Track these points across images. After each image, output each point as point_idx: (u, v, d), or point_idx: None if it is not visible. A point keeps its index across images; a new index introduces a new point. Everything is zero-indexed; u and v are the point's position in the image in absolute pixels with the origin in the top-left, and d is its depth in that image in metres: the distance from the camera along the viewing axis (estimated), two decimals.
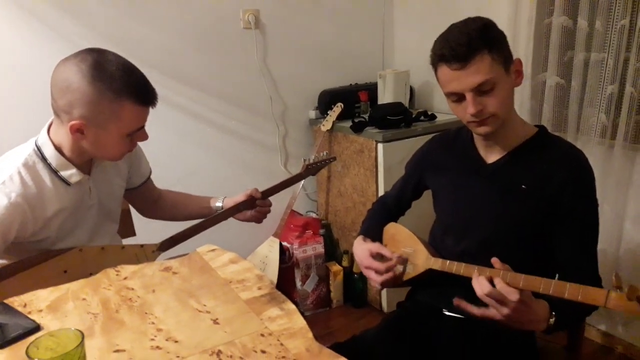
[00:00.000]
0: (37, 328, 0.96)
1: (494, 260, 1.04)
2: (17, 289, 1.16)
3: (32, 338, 0.90)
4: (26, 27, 1.96)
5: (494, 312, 1.01)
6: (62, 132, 1.21)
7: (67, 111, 1.15)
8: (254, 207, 1.56)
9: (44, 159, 1.22)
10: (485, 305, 1.02)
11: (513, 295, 0.98)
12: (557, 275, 0.99)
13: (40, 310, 1.03)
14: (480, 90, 1.10)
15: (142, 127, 1.25)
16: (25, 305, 1.05)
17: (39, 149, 1.23)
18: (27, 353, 0.72)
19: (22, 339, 0.93)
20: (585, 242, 1.15)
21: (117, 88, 1.14)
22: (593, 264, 1.16)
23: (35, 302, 1.06)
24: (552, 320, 1.03)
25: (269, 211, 1.59)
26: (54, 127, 1.24)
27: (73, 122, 1.15)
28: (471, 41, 1.07)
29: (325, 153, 1.74)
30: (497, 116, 1.13)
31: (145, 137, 1.27)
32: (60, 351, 0.75)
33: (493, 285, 1.01)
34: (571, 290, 0.95)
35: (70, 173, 1.24)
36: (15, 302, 1.06)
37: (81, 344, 0.75)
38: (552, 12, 2.01)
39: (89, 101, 1.13)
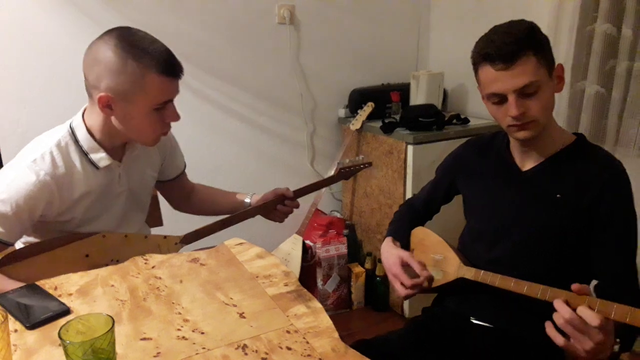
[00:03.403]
0: (67, 311, 0.97)
1: (577, 287, 0.93)
2: (39, 269, 1.19)
3: (62, 321, 0.91)
4: (65, 15, 2.00)
5: (578, 346, 0.91)
6: (94, 113, 1.22)
7: (95, 86, 1.16)
8: (280, 205, 1.55)
9: (76, 140, 1.24)
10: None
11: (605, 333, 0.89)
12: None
13: (70, 294, 1.04)
14: (524, 93, 1.07)
15: (170, 101, 1.22)
16: (56, 288, 1.06)
17: (72, 130, 1.25)
18: (59, 335, 0.72)
19: (52, 321, 0.94)
20: (623, 253, 1.11)
21: (140, 57, 1.13)
22: (632, 275, 1.12)
23: (65, 286, 1.07)
24: (616, 347, 0.96)
25: (292, 212, 1.58)
26: (88, 109, 1.25)
27: (101, 95, 1.16)
28: (518, 42, 1.05)
29: (360, 158, 1.67)
30: (538, 121, 1.10)
31: (175, 116, 1.24)
32: (90, 335, 0.75)
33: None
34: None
35: (100, 157, 1.25)
36: (47, 284, 1.07)
37: (111, 329, 0.75)
38: (596, 19, 1.95)
39: (113, 71, 1.13)
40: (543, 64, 1.08)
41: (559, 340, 0.93)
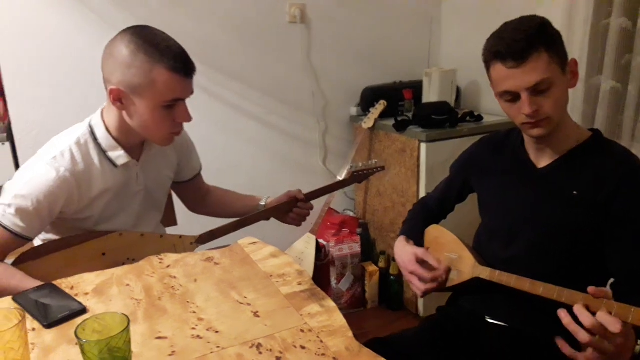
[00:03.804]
0: (83, 310, 0.98)
1: (593, 290, 0.92)
2: (57, 267, 1.21)
3: (79, 320, 0.92)
4: (77, 16, 2.02)
5: (597, 352, 0.90)
6: (112, 111, 1.23)
7: (108, 79, 1.18)
8: (295, 208, 1.55)
9: (95, 138, 1.25)
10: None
11: (632, 339, 0.88)
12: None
13: (87, 293, 1.05)
14: (536, 90, 1.06)
15: (180, 100, 1.21)
16: (72, 288, 1.07)
17: (91, 128, 1.26)
18: (76, 334, 0.73)
19: (69, 320, 0.95)
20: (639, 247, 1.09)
21: (151, 52, 1.14)
22: None
23: (82, 285, 1.08)
24: (638, 348, 0.95)
25: (308, 214, 1.58)
26: (106, 108, 1.27)
27: (112, 88, 1.17)
28: (529, 38, 1.04)
29: (374, 161, 1.67)
30: (551, 118, 1.09)
31: (186, 115, 1.23)
32: (106, 334, 0.76)
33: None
34: None
35: (118, 155, 1.26)
36: (63, 284, 1.09)
37: (127, 328, 0.76)
38: (611, 13, 1.92)
39: (124, 64, 1.14)
40: (555, 60, 1.06)
41: (580, 357, 0.92)
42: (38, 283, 1.11)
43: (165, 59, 1.14)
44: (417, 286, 1.24)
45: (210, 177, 1.68)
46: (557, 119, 1.10)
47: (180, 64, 1.17)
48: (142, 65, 1.14)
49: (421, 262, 1.24)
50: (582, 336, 0.89)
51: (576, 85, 1.15)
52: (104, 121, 1.26)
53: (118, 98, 1.18)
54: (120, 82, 1.16)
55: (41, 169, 1.19)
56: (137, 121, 1.21)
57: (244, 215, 1.52)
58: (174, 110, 1.21)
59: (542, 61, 1.04)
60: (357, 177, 1.65)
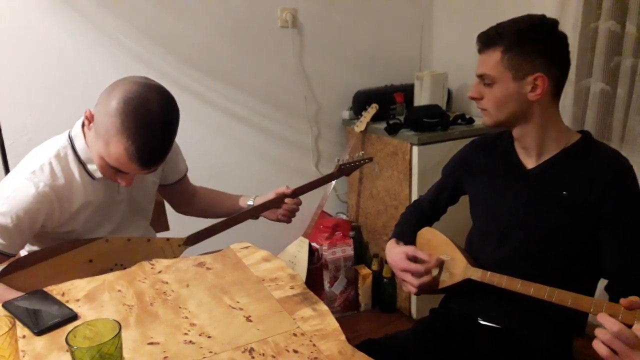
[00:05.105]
0: (74, 317, 0.98)
1: (628, 301, 0.87)
2: (43, 277, 1.19)
3: (70, 326, 0.92)
4: (70, 22, 2.01)
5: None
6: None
7: (96, 103, 1.17)
8: (283, 204, 1.53)
9: (74, 150, 1.24)
10: None
11: None
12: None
13: (78, 300, 1.05)
14: (484, 81, 1.16)
15: (126, 173, 1.19)
16: (63, 294, 1.07)
17: (71, 140, 1.25)
18: (67, 341, 0.73)
19: (60, 326, 0.95)
20: (633, 250, 1.10)
21: (126, 125, 1.11)
22: None
23: (73, 292, 1.08)
24: None
25: (297, 209, 1.56)
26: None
27: (88, 109, 1.18)
28: (495, 34, 1.12)
29: (361, 154, 1.66)
30: (487, 112, 1.18)
31: (127, 183, 1.22)
32: (97, 340, 0.76)
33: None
34: None
35: (96, 167, 1.25)
36: (54, 290, 1.08)
37: (118, 334, 0.76)
38: (599, 16, 1.94)
39: (106, 110, 1.13)
40: (507, 65, 1.11)
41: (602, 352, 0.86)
42: (19, 294, 1.09)
43: (130, 140, 1.11)
44: (411, 282, 1.23)
45: (203, 182, 1.67)
46: (495, 116, 1.17)
47: (139, 156, 1.13)
48: (112, 125, 1.11)
49: (412, 260, 1.24)
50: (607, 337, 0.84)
51: (538, 98, 1.12)
52: (84, 133, 1.25)
53: (88, 118, 1.18)
54: (95, 113, 1.16)
55: (21, 185, 1.18)
56: (90, 148, 1.22)
57: (231, 215, 1.51)
58: (117, 171, 1.19)
59: (492, 59, 1.13)
60: (344, 170, 1.62)
